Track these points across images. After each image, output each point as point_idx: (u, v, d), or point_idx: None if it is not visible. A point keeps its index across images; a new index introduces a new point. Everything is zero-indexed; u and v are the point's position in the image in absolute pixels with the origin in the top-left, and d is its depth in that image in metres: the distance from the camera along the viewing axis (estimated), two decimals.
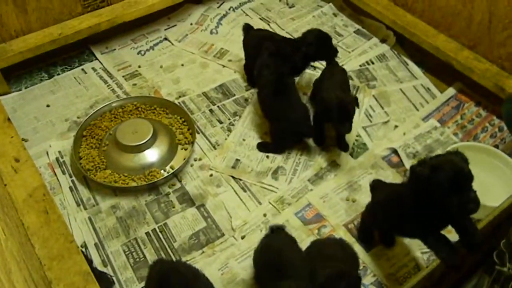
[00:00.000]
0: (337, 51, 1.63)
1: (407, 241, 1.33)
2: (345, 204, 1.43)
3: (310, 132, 1.54)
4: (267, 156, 1.56)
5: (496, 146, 1.57)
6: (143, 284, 1.25)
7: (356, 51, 1.93)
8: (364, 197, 1.41)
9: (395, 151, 1.57)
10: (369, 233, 1.33)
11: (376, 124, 1.67)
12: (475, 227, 1.08)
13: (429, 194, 1.01)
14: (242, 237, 1.35)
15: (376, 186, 1.27)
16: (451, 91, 1.76)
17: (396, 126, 1.66)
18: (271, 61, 1.57)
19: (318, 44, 1.59)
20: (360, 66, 1.87)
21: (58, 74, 1.84)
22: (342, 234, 1.35)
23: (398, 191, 1.18)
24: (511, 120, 1.47)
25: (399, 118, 1.69)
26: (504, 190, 1.36)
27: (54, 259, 1.15)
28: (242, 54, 1.94)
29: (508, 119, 1.48)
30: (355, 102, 1.43)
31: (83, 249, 1.33)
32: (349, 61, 1.85)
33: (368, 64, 1.88)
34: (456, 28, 1.77)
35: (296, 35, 1.94)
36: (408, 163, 1.53)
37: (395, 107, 1.72)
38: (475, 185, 1.45)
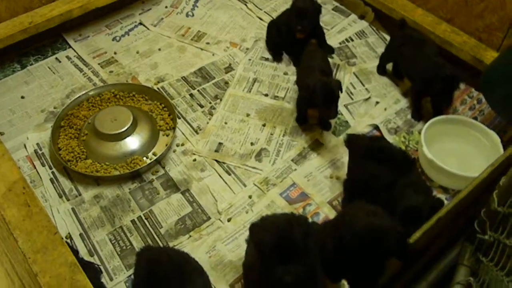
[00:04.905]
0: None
1: None
2: (329, 181, 1.44)
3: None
4: (250, 139, 1.55)
5: (475, 118, 1.59)
6: (131, 271, 1.25)
7: (335, 29, 1.92)
8: None
9: (377, 127, 1.58)
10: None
11: (357, 101, 1.67)
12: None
13: None
14: (228, 220, 1.35)
15: (353, 139, 1.32)
16: None
17: (377, 102, 1.67)
18: None
19: None
20: (340, 43, 1.86)
21: (31, 64, 1.79)
22: (327, 211, 1.36)
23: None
24: (490, 92, 1.49)
25: (380, 94, 1.69)
26: (484, 161, 1.39)
27: (38, 252, 1.13)
28: (220, 36, 1.91)
29: (487, 90, 1.50)
30: (338, 86, 1.43)
31: (68, 241, 1.32)
32: (328, 39, 1.84)
33: (348, 41, 1.87)
34: (433, 2, 1.77)
35: (275, 14, 1.93)
36: (389, 139, 1.54)
37: (375, 83, 1.73)
38: (456, 156, 1.48)
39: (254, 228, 1.02)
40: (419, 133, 1.49)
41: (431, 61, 1.51)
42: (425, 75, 1.50)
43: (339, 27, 1.92)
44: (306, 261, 0.96)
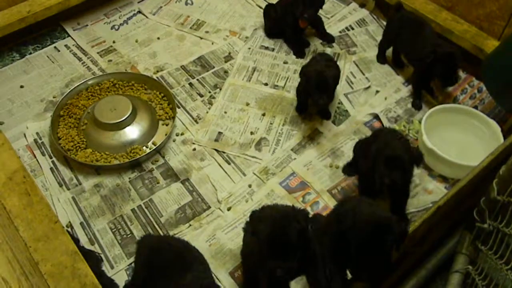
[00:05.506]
0: None
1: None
2: (329, 170, 1.44)
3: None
4: (250, 128, 1.55)
5: (476, 107, 1.59)
6: (132, 260, 1.25)
7: (335, 17, 1.91)
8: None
9: (376, 116, 1.58)
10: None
11: (358, 90, 1.66)
12: None
13: None
14: (228, 209, 1.36)
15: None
16: None
17: (377, 91, 1.66)
18: None
19: None
20: (340, 32, 1.85)
21: (30, 54, 1.78)
22: (326, 199, 1.37)
23: None
24: (491, 80, 1.48)
25: (380, 83, 1.68)
26: (483, 150, 1.39)
27: (39, 240, 1.13)
28: (219, 25, 1.90)
29: (488, 79, 1.49)
30: (335, 78, 1.42)
31: (69, 229, 1.32)
32: (328, 28, 1.83)
33: (348, 30, 1.86)
34: None
35: (274, 2, 1.91)
36: None
37: (375, 72, 1.72)
38: (456, 145, 1.48)
39: (253, 217, 1.03)
40: (419, 122, 1.49)
41: (430, 42, 1.49)
42: (424, 56, 1.48)
43: (339, 16, 1.91)
44: (300, 256, 0.96)
